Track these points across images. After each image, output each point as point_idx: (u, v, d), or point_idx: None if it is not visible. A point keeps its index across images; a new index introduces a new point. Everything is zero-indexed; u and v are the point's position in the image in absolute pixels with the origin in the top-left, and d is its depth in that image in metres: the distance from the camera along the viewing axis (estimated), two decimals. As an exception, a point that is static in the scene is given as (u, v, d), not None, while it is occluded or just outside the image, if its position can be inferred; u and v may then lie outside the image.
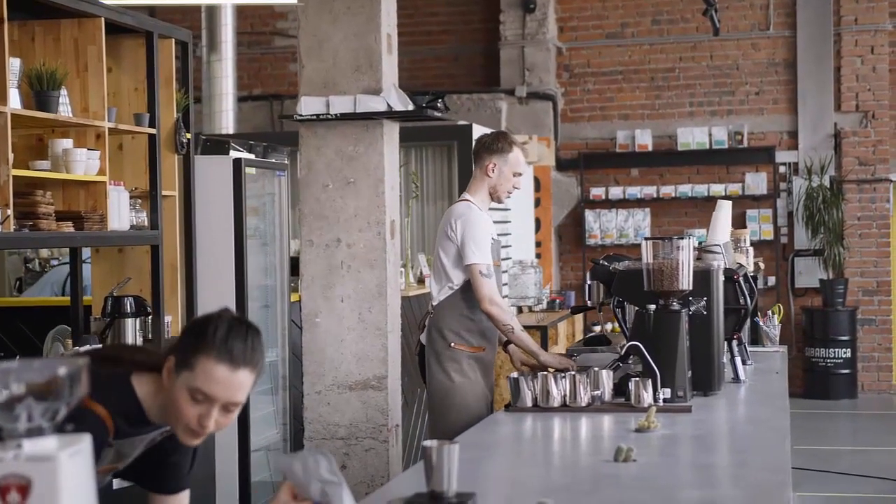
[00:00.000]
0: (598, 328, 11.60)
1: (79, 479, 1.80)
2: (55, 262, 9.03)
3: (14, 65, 4.89)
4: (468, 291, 5.29)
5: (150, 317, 5.81)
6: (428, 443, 2.79)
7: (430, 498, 2.79)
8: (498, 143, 5.44)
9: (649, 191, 13.19)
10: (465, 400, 5.30)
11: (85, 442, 1.83)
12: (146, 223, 5.80)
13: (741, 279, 5.21)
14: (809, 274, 12.95)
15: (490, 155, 5.41)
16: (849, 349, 12.61)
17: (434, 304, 5.42)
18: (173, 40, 6.10)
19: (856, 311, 12.79)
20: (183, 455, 2.99)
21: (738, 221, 12.65)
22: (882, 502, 8.19)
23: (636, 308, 4.71)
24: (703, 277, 4.68)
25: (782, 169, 13.12)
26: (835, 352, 12.57)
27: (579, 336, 10.87)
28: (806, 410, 11.88)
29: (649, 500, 3.03)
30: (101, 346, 5.25)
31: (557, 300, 11.31)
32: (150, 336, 5.82)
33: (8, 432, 1.80)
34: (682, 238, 4.56)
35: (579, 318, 11.48)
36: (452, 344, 5.32)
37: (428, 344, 5.41)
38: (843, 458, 9.69)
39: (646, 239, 4.61)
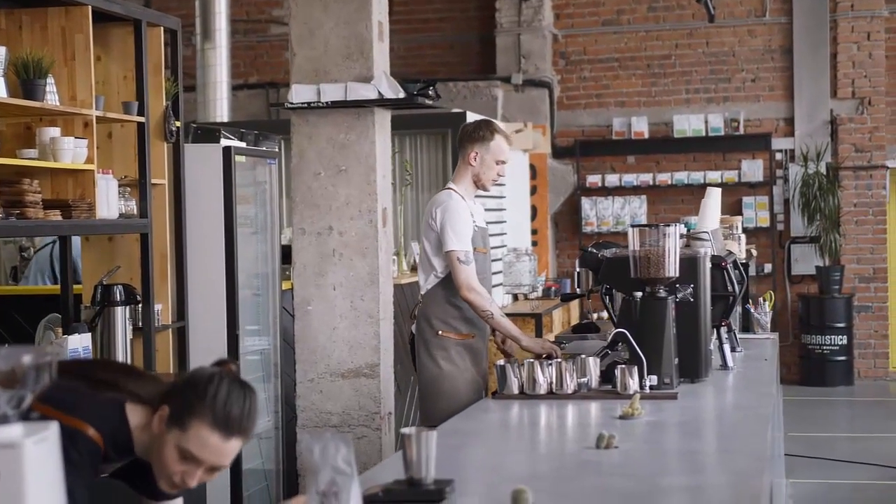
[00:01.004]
0: (594, 316, 11.60)
1: (44, 466, 1.80)
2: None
3: (0, 53, 4.89)
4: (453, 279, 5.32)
5: (139, 305, 5.81)
6: (406, 430, 2.80)
7: (409, 485, 2.81)
8: (479, 131, 5.45)
9: (645, 178, 13.19)
10: (453, 387, 5.32)
11: (51, 430, 1.83)
12: (135, 211, 5.80)
13: (729, 266, 5.20)
14: (806, 261, 12.95)
15: (472, 143, 5.43)
16: (845, 336, 12.61)
17: (422, 293, 5.45)
18: (162, 28, 6.09)
19: (852, 298, 12.80)
20: None
21: (734, 208, 12.66)
22: (877, 489, 8.20)
23: (623, 295, 4.71)
24: (689, 265, 4.68)
25: (778, 156, 13.11)
26: (831, 339, 12.58)
27: (575, 323, 10.87)
28: (802, 397, 11.89)
29: (628, 487, 3.04)
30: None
31: (553, 288, 11.31)
32: (139, 324, 5.82)
33: (-27, 420, 1.80)
34: (669, 225, 4.56)
35: (575, 305, 11.49)
36: (440, 332, 5.34)
37: (417, 332, 5.44)
38: (838, 444, 9.70)
39: (632, 226, 4.62)
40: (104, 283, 5.71)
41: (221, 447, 2.66)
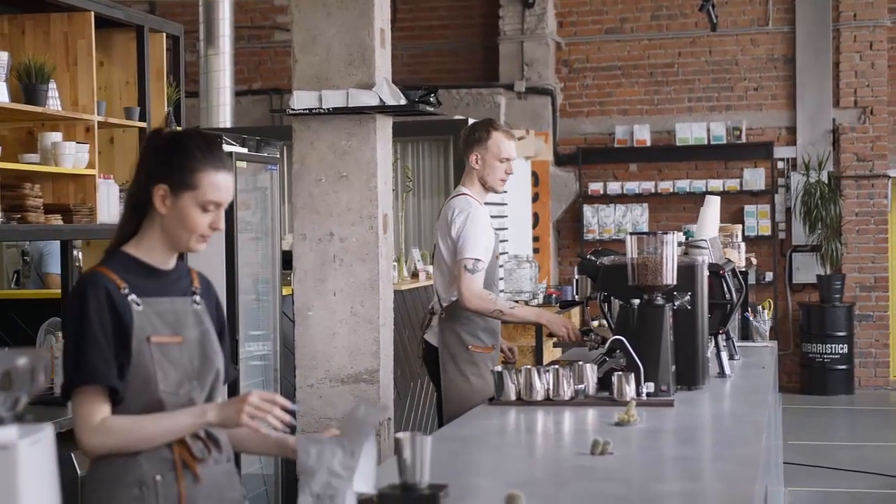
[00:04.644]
0: (595, 323, 11.59)
1: (38, 467, 1.82)
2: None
3: (2, 58, 4.92)
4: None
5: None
6: (400, 435, 2.81)
7: (403, 489, 2.82)
8: (475, 133, 5.42)
9: (647, 186, 13.21)
10: (483, 401, 5.27)
11: (45, 431, 1.85)
12: (137, 216, 5.81)
13: (727, 274, 5.21)
14: (807, 269, 12.96)
15: (470, 147, 5.42)
16: (846, 345, 12.62)
17: (444, 304, 5.36)
18: (164, 34, 6.12)
19: (853, 306, 12.80)
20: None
21: (736, 217, 12.68)
22: (875, 498, 8.20)
23: (621, 303, 4.72)
24: (687, 272, 4.69)
25: (780, 164, 13.13)
26: (832, 347, 12.59)
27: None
28: (802, 406, 11.90)
29: (620, 493, 3.05)
30: None
31: (554, 295, 11.31)
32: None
33: (-32, 421, 1.83)
34: (667, 233, 4.57)
35: (576, 313, 11.49)
36: (470, 346, 5.28)
37: (443, 346, 5.34)
38: (838, 453, 9.70)
39: (630, 234, 4.62)
40: (105, 287, 5.72)
41: (229, 182, 2.98)
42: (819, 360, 12.64)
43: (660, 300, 4.56)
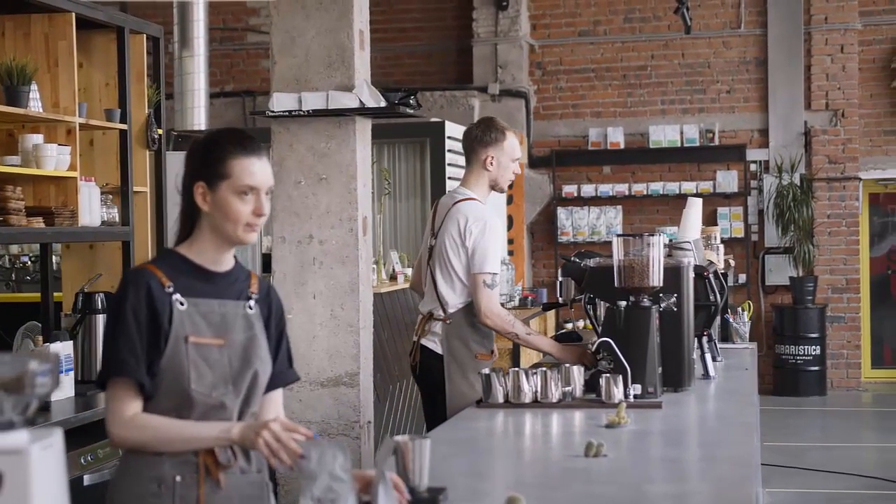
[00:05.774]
0: (569, 325, 11.64)
1: (50, 472, 1.80)
2: (25, 259, 8.99)
3: (-17, 60, 4.88)
4: None
5: (121, 313, 5.78)
6: (400, 438, 2.80)
7: (402, 492, 2.81)
8: (490, 132, 5.21)
9: (621, 188, 13.24)
10: None
11: (56, 436, 1.83)
12: (117, 219, 5.79)
13: (711, 276, 5.23)
14: (779, 271, 13.03)
15: (485, 148, 5.21)
16: (818, 346, 12.70)
17: (450, 310, 5.17)
18: (145, 36, 6.08)
19: (825, 308, 12.88)
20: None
21: (710, 219, 12.73)
22: (850, 498, 8.25)
23: (607, 305, 4.73)
24: (673, 274, 4.70)
25: (753, 167, 13.19)
26: (804, 349, 12.66)
27: (551, 333, 10.90)
28: (775, 407, 11.95)
29: (618, 495, 3.05)
30: None
31: (530, 297, 11.35)
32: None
33: (-21, 426, 1.81)
34: (653, 235, 4.58)
35: (551, 314, 11.52)
36: (478, 354, 5.16)
37: (449, 353, 5.15)
38: (812, 454, 9.76)
39: (617, 236, 4.63)
40: (85, 290, 5.69)
41: (262, 167, 3.01)
42: (792, 361, 12.71)
43: (646, 302, 4.57)
